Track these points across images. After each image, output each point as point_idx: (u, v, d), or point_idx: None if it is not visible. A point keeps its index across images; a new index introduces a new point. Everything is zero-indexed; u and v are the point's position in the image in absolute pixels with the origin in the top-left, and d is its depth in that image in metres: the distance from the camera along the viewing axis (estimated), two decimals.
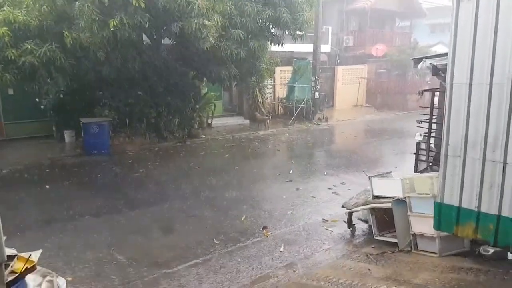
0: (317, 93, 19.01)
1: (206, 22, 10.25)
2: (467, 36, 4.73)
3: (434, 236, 5.50)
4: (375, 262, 5.64)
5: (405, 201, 5.77)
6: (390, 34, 26.31)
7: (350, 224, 6.75)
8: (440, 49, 22.58)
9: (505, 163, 4.33)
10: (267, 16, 11.96)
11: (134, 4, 9.79)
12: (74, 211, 7.84)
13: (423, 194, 5.61)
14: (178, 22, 10.87)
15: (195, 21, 10.32)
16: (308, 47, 18.77)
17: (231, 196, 8.85)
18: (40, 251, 3.55)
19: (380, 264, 5.57)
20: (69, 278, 5.24)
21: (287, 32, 13.07)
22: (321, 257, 6.06)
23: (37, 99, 13.46)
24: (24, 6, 10.32)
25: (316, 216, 7.64)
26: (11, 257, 3.21)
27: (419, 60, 7.26)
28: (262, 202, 8.67)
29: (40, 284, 3.43)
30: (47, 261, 5.52)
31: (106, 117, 12.67)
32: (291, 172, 10.72)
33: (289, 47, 15.55)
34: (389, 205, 5.90)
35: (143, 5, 9.88)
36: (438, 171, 6.55)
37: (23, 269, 3.20)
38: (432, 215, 5.27)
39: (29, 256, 3.31)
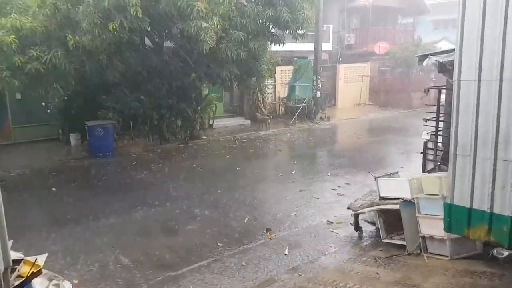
0: (318, 92, 18.84)
1: (204, 24, 10.23)
2: (474, 31, 4.56)
3: (444, 238, 5.33)
4: (384, 265, 5.47)
5: (413, 202, 5.60)
6: (392, 31, 26.08)
7: (357, 226, 6.58)
8: (444, 45, 22.35)
9: None
10: (267, 16, 11.89)
11: (132, 12, 9.93)
12: (79, 214, 7.85)
13: (432, 195, 5.44)
14: (179, 25, 10.84)
15: (194, 23, 10.34)
16: (309, 46, 18.60)
17: (234, 197, 8.73)
18: (46, 254, 3.53)
19: (388, 268, 5.40)
20: (75, 281, 5.24)
21: (287, 32, 12.95)
22: (327, 261, 5.90)
23: (43, 103, 13.79)
24: (30, 12, 10.55)
25: (321, 218, 7.48)
26: (17, 261, 3.21)
27: (424, 57, 7.12)
28: (265, 203, 8.56)
29: None
30: (53, 264, 5.55)
31: (111, 120, 12.80)
32: (293, 172, 10.58)
33: (289, 46, 15.40)
34: (396, 206, 5.73)
35: (140, 15, 10.00)
36: (446, 170, 6.40)
37: (29, 273, 3.18)
38: (442, 217, 5.11)
39: (35, 260, 3.30)
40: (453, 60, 5.67)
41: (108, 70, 11.91)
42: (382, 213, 6.11)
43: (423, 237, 5.61)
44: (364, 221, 6.90)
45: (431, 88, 8.35)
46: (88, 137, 12.39)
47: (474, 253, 5.42)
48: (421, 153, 7.44)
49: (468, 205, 4.74)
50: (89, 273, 5.71)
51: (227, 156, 12.82)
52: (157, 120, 13.65)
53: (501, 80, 4.34)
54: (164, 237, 6.94)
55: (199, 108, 15.25)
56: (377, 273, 5.24)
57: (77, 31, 10.54)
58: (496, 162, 4.41)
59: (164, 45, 13.57)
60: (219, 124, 17.09)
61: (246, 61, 12.59)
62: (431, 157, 7.29)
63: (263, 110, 18.15)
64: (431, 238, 5.54)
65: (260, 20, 12.24)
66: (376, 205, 6.11)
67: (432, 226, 5.44)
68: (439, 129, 7.20)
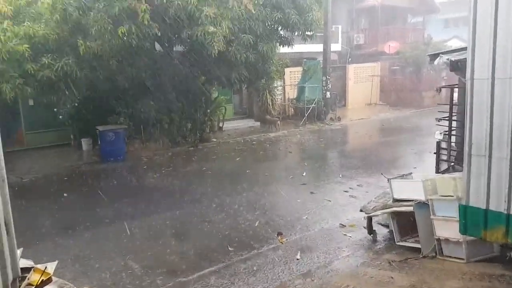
0: (328, 93, 18.70)
1: (211, 29, 10.23)
2: (487, 28, 4.46)
3: (460, 240, 5.21)
4: (398, 269, 5.36)
5: (428, 204, 5.48)
6: (402, 30, 25.84)
7: (370, 229, 6.47)
8: (455, 43, 22.05)
9: None
10: (276, 18, 11.85)
11: (140, 19, 10.02)
12: (90, 219, 7.87)
13: (447, 196, 5.32)
14: (188, 30, 10.90)
15: (201, 28, 10.40)
16: (318, 47, 18.51)
17: (244, 200, 8.68)
18: (56, 262, 3.48)
19: (403, 272, 5.28)
20: None
21: (296, 33, 12.90)
22: (340, 265, 5.81)
23: (55, 109, 13.96)
24: (43, 20, 10.68)
25: (333, 221, 7.38)
26: (27, 269, 3.17)
27: (436, 56, 7.00)
28: (276, 206, 8.48)
29: None
30: (63, 271, 5.56)
31: (122, 124, 12.88)
32: (304, 174, 10.49)
33: (298, 48, 15.35)
34: (410, 208, 5.62)
35: (146, 22, 10.09)
36: (461, 171, 6.27)
37: (39, 282, 3.13)
38: (457, 219, 5.00)
39: (45, 268, 3.26)
40: (465, 59, 5.57)
41: (118, 76, 12.00)
42: (396, 215, 6.00)
43: (438, 240, 5.49)
44: (378, 223, 6.79)
45: (443, 87, 8.20)
46: (99, 142, 12.47)
47: (491, 256, 5.29)
48: (434, 153, 7.31)
49: (484, 207, 4.63)
50: (100, 280, 5.69)
51: (237, 159, 12.79)
52: (167, 124, 13.71)
53: None
54: (175, 242, 6.90)
55: (208, 111, 15.28)
56: (392, 277, 5.13)
57: (87, 37, 10.65)
58: None
59: (174, 49, 13.62)
60: (229, 127, 17.07)
61: (255, 64, 12.59)
62: (444, 157, 7.16)
63: (273, 111, 18.09)
64: (447, 240, 5.42)
65: (269, 23, 12.23)
66: (390, 207, 6.01)
67: (448, 228, 5.32)
68: (452, 128, 7.06)
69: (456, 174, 5.80)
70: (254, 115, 18.57)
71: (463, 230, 4.93)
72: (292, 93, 19.66)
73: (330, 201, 8.45)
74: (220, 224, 7.51)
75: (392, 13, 25.14)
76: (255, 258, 6.13)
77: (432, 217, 5.48)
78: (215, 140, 15.01)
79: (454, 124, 7.07)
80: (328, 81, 18.64)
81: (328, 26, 17.91)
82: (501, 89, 4.38)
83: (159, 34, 11.13)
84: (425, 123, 16.71)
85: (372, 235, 6.52)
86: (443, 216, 5.39)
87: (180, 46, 13.36)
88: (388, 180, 6.19)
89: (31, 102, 13.69)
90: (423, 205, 5.54)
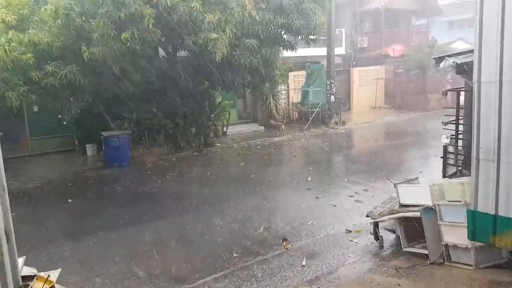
0: (332, 97, 18.63)
1: (213, 35, 10.20)
2: (493, 30, 4.40)
3: (468, 246, 5.12)
4: (406, 276, 5.28)
5: (435, 210, 5.40)
6: (406, 33, 25.73)
7: (377, 235, 6.37)
8: (460, 45, 21.92)
9: None
10: (279, 23, 11.81)
11: (145, 24, 10.02)
12: (94, 225, 7.86)
13: (455, 201, 5.23)
14: (192, 36, 10.90)
15: (204, 35, 10.37)
16: (321, 51, 18.46)
17: (248, 205, 8.63)
18: (59, 270, 3.46)
19: (410, 278, 5.20)
20: None
21: (299, 37, 12.85)
22: (346, 271, 5.73)
23: (59, 116, 14.02)
24: (47, 27, 10.71)
25: (339, 226, 7.31)
26: (30, 277, 3.16)
27: (441, 59, 6.92)
28: (281, 211, 8.42)
29: None
30: (68, 278, 5.58)
31: (126, 130, 12.88)
32: (309, 179, 10.41)
33: (302, 51, 15.28)
34: (417, 214, 5.54)
35: (151, 26, 10.08)
36: (468, 175, 6.19)
37: None
38: (465, 224, 4.93)
39: (48, 276, 3.25)
40: (471, 61, 5.50)
41: (122, 81, 11.99)
42: (403, 220, 5.91)
43: (446, 246, 5.40)
44: (384, 229, 6.70)
45: (450, 90, 8.11)
46: (104, 148, 12.49)
47: (500, 262, 5.19)
48: (441, 157, 7.21)
49: (493, 212, 4.55)
50: (103, 286, 5.67)
51: (241, 163, 12.75)
52: (171, 129, 13.69)
53: None
54: (179, 248, 6.88)
55: (212, 115, 15.26)
56: (399, 284, 5.05)
57: (91, 43, 10.65)
58: None
59: (177, 54, 13.61)
60: (233, 131, 17.04)
61: (259, 68, 12.54)
62: (451, 162, 7.06)
63: (277, 116, 18.04)
64: (455, 246, 5.33)
65: (272, 27, 12.18)
66: (396, 213, 5.93)
67: (455, 234, 5.24)
68: (459, 132, 6.97)
69: (464, 179, 5.71)
70: (258, 119, 18.52)
71: (472, 236, 4.86)
72: (296, 97, 19.60)
73: (335, 206, 8.38)
74: (225, 229, 7.46)
75: (396, 16, 25.08)
76: (260, 265, 6.07)
77: (439, 222, 5.39)
78: (219, 144, 14.98)
79: (461, 128, 6.98)
80: (332, 85, 18.57)
81: (331, 30, 17.87)
82: (509, 92, 4.31)
83: (163, 40, 11.13)
84: (430, 126, 16.59)
85: (378, 241, 6.43)
86: (450, 222, 5.31)
87: (184, 51, 13.35)
88: (394, 185, 6.11)
89: (35, 108, 13.76)
90: (430, 210, 5.46)
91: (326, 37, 17.47)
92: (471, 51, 5.76)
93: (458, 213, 5.13)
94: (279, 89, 18.45)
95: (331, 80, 18.50)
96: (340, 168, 12.13)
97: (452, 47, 21.92)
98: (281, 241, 6.80)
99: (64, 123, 14.12)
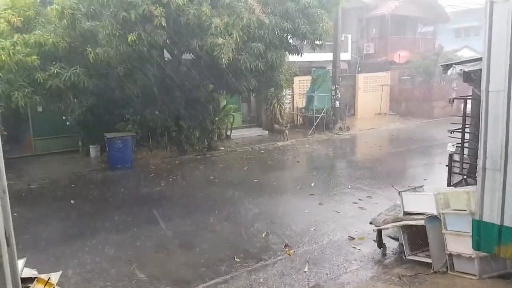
0: (337, 102, 18.60)
1: (220, 40, 10.18)
2: (503, 39, 4.36)
3: (472, 256, 5.06)
4: (408, 284, 5.23)
5: (439, 218, 5.35)
6: (412, 40, 25.71)
7: (380, 243, 6.31)
8: (466, 53, 21.87)
9: None
10: (286, 28, 11.80)
11: (156, 23, 9.94)
12: (97, 227, 7.84)
13: (459, 210, 5.18)
14: (198, 39, 10.90)
15: (210, 40, 10.35)
16: (327, 56, 18.46)
17: (251, 210, 8.59)
18: (60, 272, 3.46)
19: (413, 287, 5.15)
20: None
21: (305, 42, 12.84)
22: (349, 279, 5.68)
23: (63, 117, 14.00)
24: (52, 28, 10.70)
25: (342, 233, 7.25)
26: (30, 279, 3.14)
27: (449, 66, 6.87)
28: (283, 217, 8.39)
29: None
30: (68, 280, 5.60)
31: (130, 131, 12.85)
32: (312, 185, 10.37)
33: (307, 56, 15.28)
34: (422, 222, 5.49)
35: (164, 24, 10.02)
36: (473, 184, 6.14)
37: None
38: (470, 233, 4.88)
39: (49, 279, 3.24)
40: (478, 69, 5.47)
41: (127, 83, 11.97)
42: (406, 228, 5.86)
43: (450, 255, 5.34)
44: (387, 236, 6.65)
45: (456, 98, 8.06)
46: (107, 149, 12.46)
47: (504, 272, 5.14)
48: (447, 165, 7.16)
49: (498, 222, 4.50)
50: None
51: (245, 168, 12.72)
52: (175, 132, 13.68)
53: None
54: (181, 252, 6.84)
55: (216, 119, 15.26)
56: None
57: (96, 44, 10.60)
58: None
59: (182, 57, 13.61)
60: (237, 135, 17.03)
61: (264, 72, 12.53)
62: (457, 170, 7.01)
63: (281, 120, 18.02)
64: (458, 255, 5.27)
65: (278, 31, 12.16)
66: (400, 221, 5.87)
67: (460, 243, 5.18)
68: (465, 141, 6.92)
69: (469, 188, 5.66)
70: (262, 123, 18.51)
71: (476, 246, 4.80)
72: (300, 102, 19.59)
73: (338, 212, 8.33)
74: (227, 234, 7.44)
75: (402, 22, 25.05)
76: (262, 270, 6.03)
77: (443, 231, 5.34)
78: (223, 148, 14.96)
79: (467, 136, 6.93)
80: (338, 90, 18.55)
81: (337, 35, 17.86)
82: None
83: (168, 42, 11.10)
84: (435, 134, 16.51)
85: (381, 248, 6.38)
86: (455, 231, 5.25)
87: (189, 54, 13.34)
88: (399, 192, 6.06)
89: (39, 108, 13.76)
90: (435, 219, 5.41)
91: (332, 42, 17.47)
92: (479, 59, 5.73)
93: (463, 222, 5.08)
94: (284, 93, 18.43)
95: (336, 86, 18.47)
96: (344, 174, 12.08)
97: (458, 55, 21.88)
98: (283, 246, 6.76)
99: (68, 123, 14.10)
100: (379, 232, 6.31)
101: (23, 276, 3.04)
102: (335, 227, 7.58)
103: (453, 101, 7.64)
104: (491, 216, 4.54)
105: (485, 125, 4.52)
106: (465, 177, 6.75)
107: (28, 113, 13.69)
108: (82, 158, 13.65)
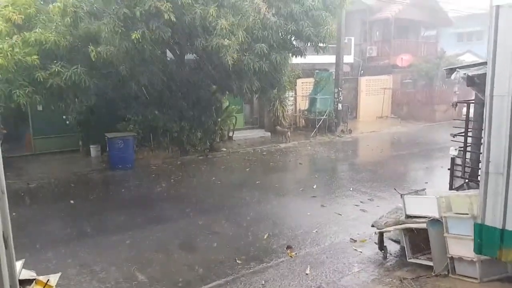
0: (340, 105, 18.64)
1: (226, 42, 10.18)
2: (508, 43, 4.39)
3: (474, 259, 5.07)
4: (410, 287, 5.23)
5: (441, 221, 5.35)
6: (415, 43, 25.78)
7: (381, 245, 6.33)
8: (468, 58, 21.91)
9: None
10: (290, 30, 11.80)
11: (165, 17, 9.87)
12: (96, 227, 7.82)
13: (461, 214, 5.19)
14: (202, 39, 10.89)
15: (215, 40, 10.32)
16: (330, 58, 18.49)
17: (253, 212, 8.59)
18: (59, 274, 3.45)
19: None
20: None
21: (309, 44, 12.86)
22: (350, 281, 5.68)
23: (64, 116, 13.94)
24: (53, 26, 10.62)
25: (344, 235, 7.25)
26: (29, 281, 3.10)
27: (452, 70, 6.87)
28: (285, 219, 8.38)
29: None
30: (68, 281, 5.57)
31: (131, 131, 12.80)
32: (314, 187, 10.37)
33: (311, 58, 15.31)
34: (423, 225, 5.50)
35: (173, 19, 9.94)
36: (475, 188, 6.16)
37: None
38: (471, 237, 4.90)
39: (48, 281, 3.21)
40: (482, 74, 5.48)
41: (128, 82, 11.94)
42: (408, 231, 5.87)
43: (451, 258, 5.35)
44: (389, 239, 6.64)
45: (459, 102, 8.07)
46: (108, 149, 12.41)
47: (506, 276, 5.14)
48: (449, 169, 7.17)
49: (500, 226, 4.52)
50: None
51: (247, 169, 12.73)
52: (177, 132, 13.67)
53: None
54: (182, 253, 6.82)
55: (219, 120, 15.27)
56: None
57: (99, 42, 10.55)
58: None
59: (185, 57, 13.60)
60: (239, 136, 17.05)
61: (267, 73, 12.54)
62: (459, 174, 7.01)
63: (283, 122, 18.05)
64: (460, 259, 5.27)
65: (282, 33, 12.17)
66: (402, 223, 5.88)
67: (461, 246, 5.19)
68: (468, 145, 6.93)
69: (471, 192, 5.68)
70: (265, 125, 18.54)
71: (478, 249, 4.82)
72: (303, 104, 19.63)
73: (340, 214, 8.33)
74: (228, 236, 7.42)
75: (405, 26, 25.09)
76: (263, 272, 6.03)
77: (445, 234, 5.35)
78: (225, 149, 14.97)
79: (469, 140, 6.94)
80: (340, 93, 18.58)
81: (341, 38, 17.90)
82: None
83: (172, 42, 11.03)
84: (436, 137, 16.52)
85: (383, 251, 6.38)
86: (457, 234, 5.26)
87: (192, 54, 13.32)
88: (401, 195, 6.07)
89: (39, 107, 13.68)
90: (437, 222, 5.41)
91: (335, 45, 17.50)
92: (482, 63, 5.75)
93: (465, 226, 5.09)
94: (287, 95, 18.48)
95: (339, 88, 18.50)
96: (345, 176, 12.08)
97: (460, 59, 21.90)
98: (285, 248, 6.75)
99: (68, 123, 14.02)
100: (381, 235, 6.32)
101: (21, 278, 2.98)
102: (337, 229, 7.58)
103: (457, 105, 7.64)
104: (493, 220, 4.56)
105: (488, 129, 4.54)
106: (467, 180, 6.76)
107: (28, 112, 13.65)
108: (82, 157, 13.61)
